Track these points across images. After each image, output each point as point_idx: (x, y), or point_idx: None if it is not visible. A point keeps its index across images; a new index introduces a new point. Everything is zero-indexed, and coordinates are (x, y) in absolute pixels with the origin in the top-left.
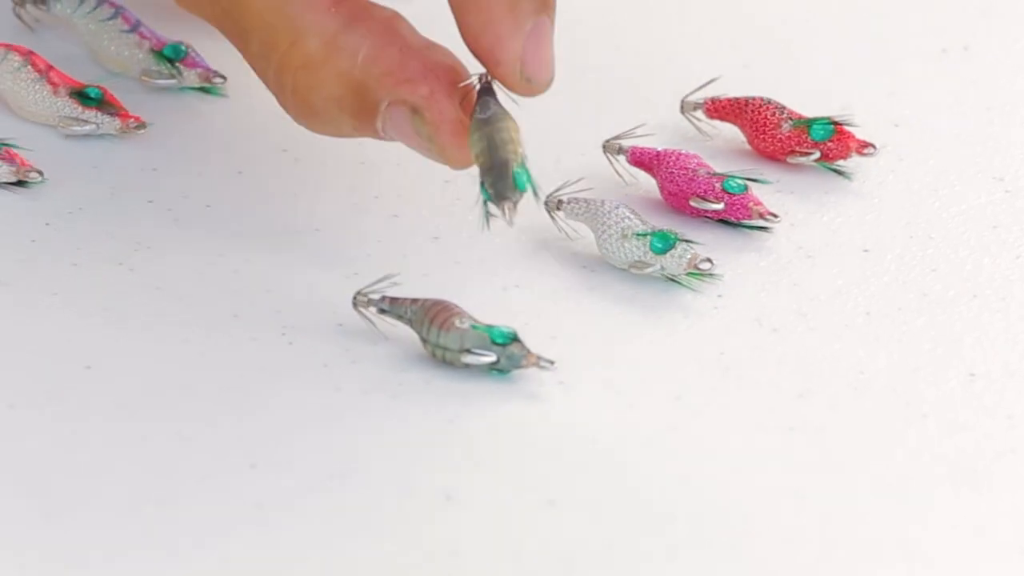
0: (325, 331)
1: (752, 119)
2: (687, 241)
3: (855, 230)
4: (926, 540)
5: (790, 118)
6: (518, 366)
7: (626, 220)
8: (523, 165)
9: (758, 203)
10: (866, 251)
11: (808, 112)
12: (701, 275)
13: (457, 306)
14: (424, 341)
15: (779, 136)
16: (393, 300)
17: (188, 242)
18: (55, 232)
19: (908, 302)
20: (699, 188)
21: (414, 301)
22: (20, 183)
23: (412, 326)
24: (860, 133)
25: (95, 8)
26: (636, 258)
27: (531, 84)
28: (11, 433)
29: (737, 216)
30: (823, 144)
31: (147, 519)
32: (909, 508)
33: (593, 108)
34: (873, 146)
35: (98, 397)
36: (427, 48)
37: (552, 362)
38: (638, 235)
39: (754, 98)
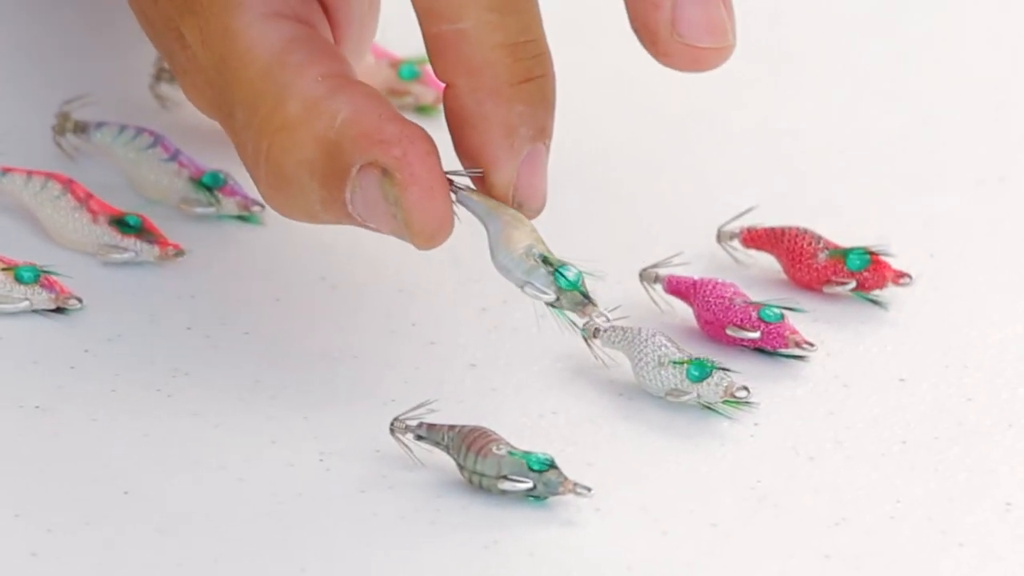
0: (362, 457)
1: (788, 248)
2: (724, 369)
3: (891, 359)
4: None
5: (826, 248)
6: (555, 493)
7: (663, 348)
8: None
9: (794, 332)
10: (902, 380)
11: (844, 242)
12: (737, 403)
13: (494, 432)
14: (461, 467)
15: (815, 266)
16: (430, 426)
17: (226, 368)
18: (94, 358)
19: (944, 431)
20: (735, 317)
21: (451, 428)
22: (59, 310)
23: (449, 452)
24: (896, 263)
25: (135, 137)
26: (673, 386)
27: (521, 210)
28: (49, 557)
29: (773, 345)
30: (859, 274)
31: None
32: None
33: (630, 237)
34: (909, 276)
35: (136, 522)
36: (406, 120)
37: (589, 489)
38: (675, 363)
39: (790, 228)
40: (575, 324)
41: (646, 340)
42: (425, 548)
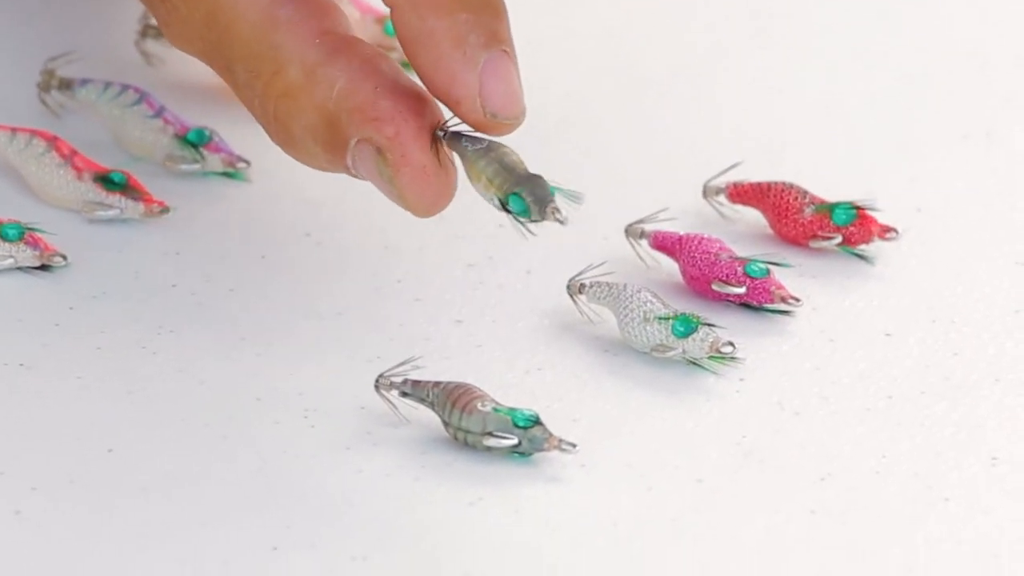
0: (347, 414)
1: (774, 204)
2: (709, 325)
3: (877, 314)
4: None
5: (812, 203)
6: (540, 449)
7: (648, 304)
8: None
9: (780, 287)
10: (888, 335)
11: (830, 197)
12: (723, 359)
13: (479, 389)
14: (446, 424)
15: (801, 221)
16: (415, 383)
17: (211, 325)
18: (79, 315)
19: (930, 386)
20: (721, 272)
21: (436, 384)
22: (44, 267)
23: (434, 409)
24: (882, 218)
25: (120, 94)
26: (658, 341)
27: (497, 119)
28: (34, 515)
29: (759, 300)
30: (845, 229)
31: None
32: None
33: (615, 192)
34: (895, 230)
35: (120, 480)
36: (403, 88)
37: (574, 445)
38: (660, 319)
39: (776, 183)
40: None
41: (631, 296)
42: (410, 505)
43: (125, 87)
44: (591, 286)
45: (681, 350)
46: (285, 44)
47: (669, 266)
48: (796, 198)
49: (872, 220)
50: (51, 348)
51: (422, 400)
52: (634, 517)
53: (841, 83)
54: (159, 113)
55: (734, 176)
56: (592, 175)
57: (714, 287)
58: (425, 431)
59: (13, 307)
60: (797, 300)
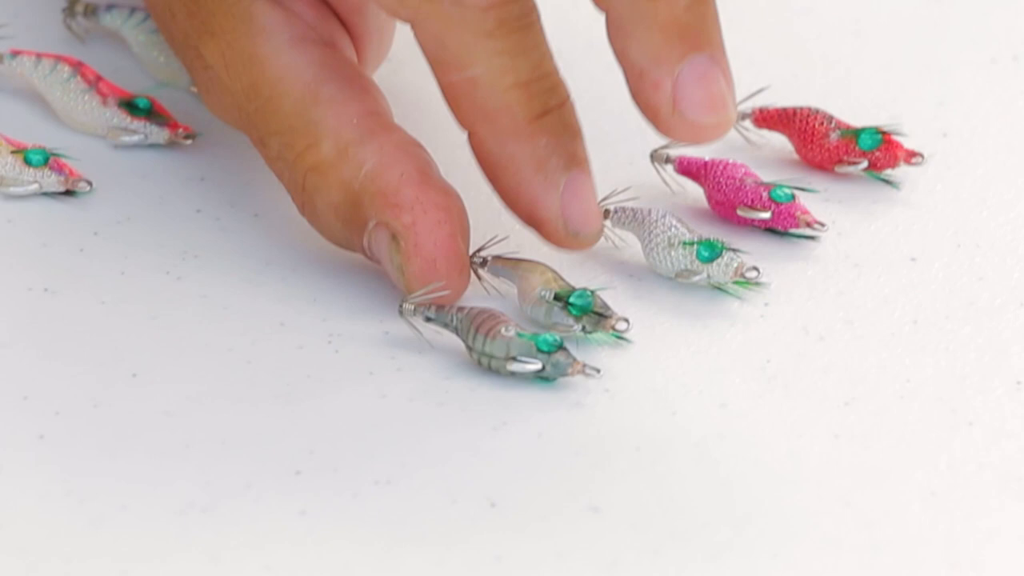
0: (371, 339)
1: (800, 129)
2: (734, 250)
3: (902, 239)
4: (971, 548)
5: (838, 128)
6: (563, 374)
7: (673, 229)
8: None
9: (805, 212)
10: (913, 260)
11: (856, 122)
12: (748, 284)
13: (503, 314)
14: (470, 349)
15: (827, 146)
16: (439, 308)
17: (235, 251)
18: (103, 241)
19: (955, 311)
20: (746, 197)
21: (460, 309)
22: (69, 193)
23: (458, 334)
24: (908, 143)
25: (145, 19)
26: (683, 267)
27: (579, 238)
28: (57, 439)
29: (784, 225)
30: (871, 153)
31: (191, 526)
32: (954, 516)
33: (641, 118)
34: (921, 155)
35: (144, 404)
36: (430, 180)
37: (597, 370)
38: (685, 244)
39: (802, 108)
40: (618, 338)
41: (656, 221)
42: (433, 430)
43: (149, 13)
44: (616, 211)
45: (706, 275)
46: (323, 121)
47: (694, 191)
48: (822, 123)
49: (898, 145)
50: (75, 273)
51: (446, 325)
52: (657, 442)
53: (868, 6)
54: None
55: (760, 101)
56: (618, 100)
57: (739, 212)
58: (449, 356)
59: (38, 233)
60: (822, 225)
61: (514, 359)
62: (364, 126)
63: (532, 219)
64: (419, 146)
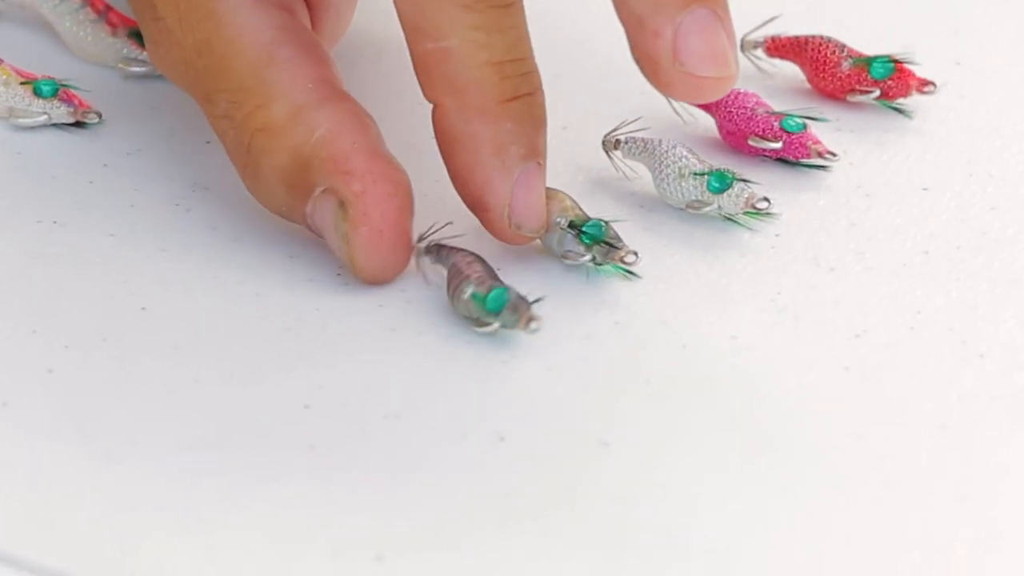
0: None
1: (812, 57)
2: (744, 180)
3: (914, 168)
4: (981, 479)
5: (850, 56)
6: (514, 327)
7: (683, 159)
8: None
9: (816, 142)
10: (925, 189)
11: (869, 50)
12: (758, 214)
13: (473, 267)
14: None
15: (839, 74)
16: (439, 249)
17: None
18: (113, 173)
19: (967, 241)
20: (757, 127)
21: (450, 256)
22: (78, 124)
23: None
24: (921, 71)
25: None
26: (693, 197)
27: (520, 231)
28: (66, 373)
29: (795, 155)
30: (883, 82)
31: (200, 460)
32: (965, 448)
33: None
34: (933, 84)
35: (152, 338)
36: (381, 154)
37: (537, 319)
38: (695, 174)
39: (814, 37)
40: (627, 272)
41: (667, 151)
42: (443, 364)
43: None
44: (626, 142)
45: (716, 206)
46: (278, 82)
47: (705, 121)
48: (834, 52)
49: (910, 73)
50: (84, 205)
51: (444, 267)
52: (667, 374)
53: None
54: None
55: (771, 30)
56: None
57: (750, 142)
58: None
59: (47, 164)
60: (834, 155)
61: (476, 320)
62: (319, 91)
63: (478, 203)
64: (371, 118)
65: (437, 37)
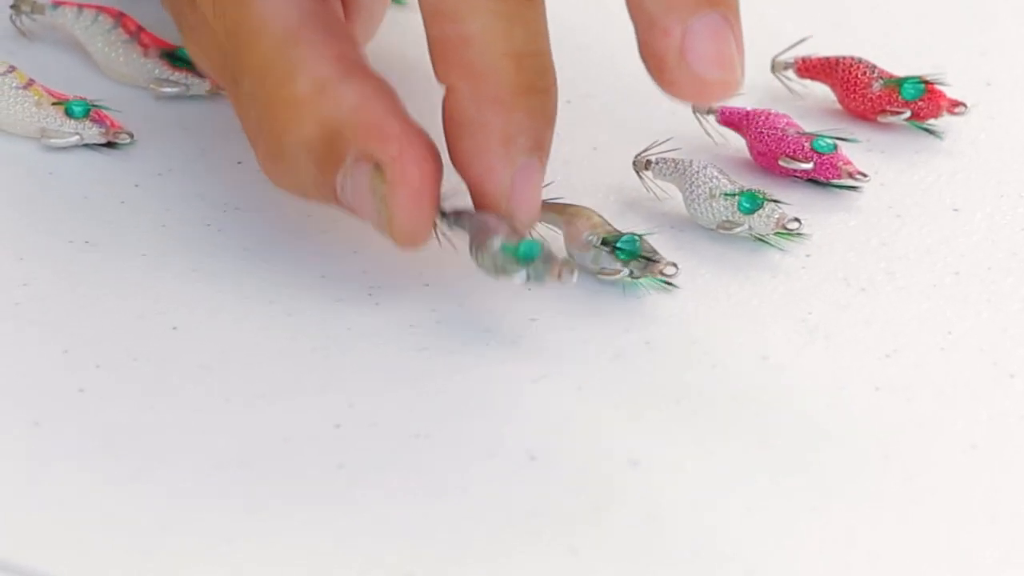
0: (411, 291)
1: (843, 78)
2: (775, 201)
3: (945, 189)
4: (1012, 499)
5: (881, 77)
6: (544, 280)
7: (714, 180)
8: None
9: (847, 162)
10: (956, 210)
11: (899, 71)
12: (789, 235)
13: (500, 222)
14: (473, 260)
15: (870, 95)
16: (457, 213)
17: (277, 203)
18: (144, 193)
19: (997, 262)
20: (788, 147)
21: (471, 216)
22: (110, 144)
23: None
24: (952, 92)
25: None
26: (724, 218)
27: (512, 221)
28: (97, 393)
29: (826, 175)
30: (914, 103)
31: (231, 480)
32: (995, 468)
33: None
34: (964, 105)
35: (184, 358)
36: (411, 121)
37: (573, 271)
38: (726, 195)
39: (845, 57)
40: (666, 284)
41: (697, 172)
42: (473, 383)
43: None
44: (657, 162)
45: (747, 226)
46: (302, 59)
47: (736, 142)
48: (864, 72)
49: (941, 94)
50: (116, 226)
51: (465, 230)
52: (698, 394)
53: None
54: None
55: (802, 51)
56: None
57: (781, 163)
58: (489, 309)
59: (79, 184)
60: (864, 175)
61: (502, 271)
62: (344, 66)
63: (477, 189)
64: (395, 91)
65: (457, 21)
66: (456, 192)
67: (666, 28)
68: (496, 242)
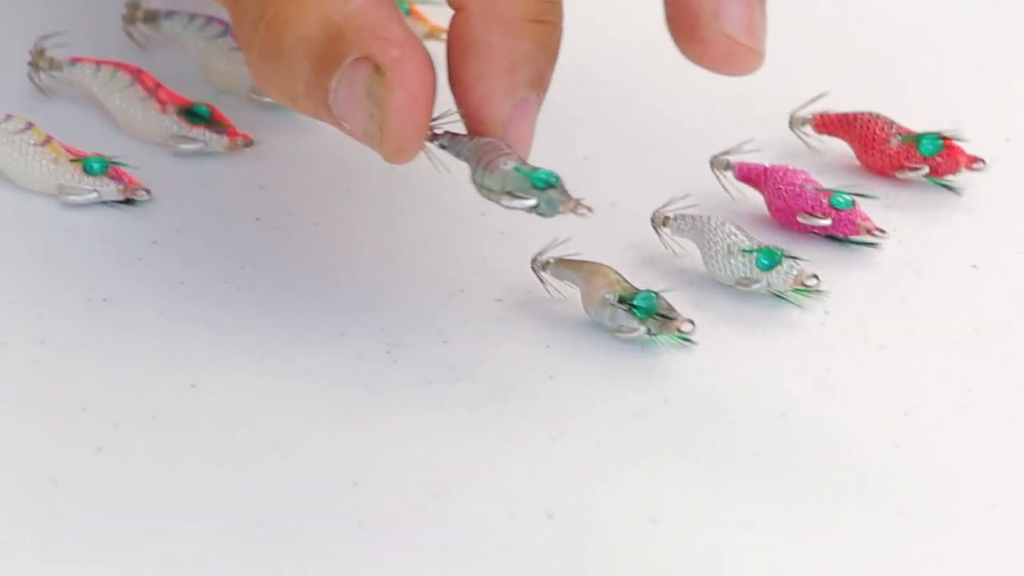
0: (429, 349)
1: (861, 134)
2: (793, 257)
3: (963, 245)
4: None
5: (899, 133)
6: (556, 211)
7: (732, 236)
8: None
9: (865, 219)
10: (974, 267)
11: (917, 127)
12: (808, 291)
13: (508, 147)
14: (473, 180)
15: (888, 151)
16: (453, 136)
17: (295, 260)
18: (162, 250)
19: (1016, 318)
20: (806, 204)
21: (471, 138)
22: (128, 201)
23: (468, 163)
24: (970, 148)
25: (204, 26)
26: (742, 274)
27: None
28: (115, 451)
29: (844, 232)
30: (932, 159)
31: (249, 538)
32: (1014, 526)
33: (701, 123)
34: (983, 161)
35: (202, 415)
36: (413, 34)
37: (590, 208)
38: (744, 251)
39: (863, 113)
40: (683, 341)
41: (715, 228)
42: (491, 440)
43: (210, 19)
44: (675, 218)
45: (765, 283)
46: None
47: (754, 198)
48: (882, 128)
49: (959, 150)
50: (134, 282)
51: (458, 154)
52: (716, 451)
53: (927, 10)
54: None
55: (820, 106)
56: (678, 106)
57: (799, 219)
58: (507, 365)
59: (97, 241)
60: (883, 232)
61: (509, 193)
62: None
63: (474, 114)
64: (399, 8)
65: None
66: (445, 116)
67: None
68: (510, 163)
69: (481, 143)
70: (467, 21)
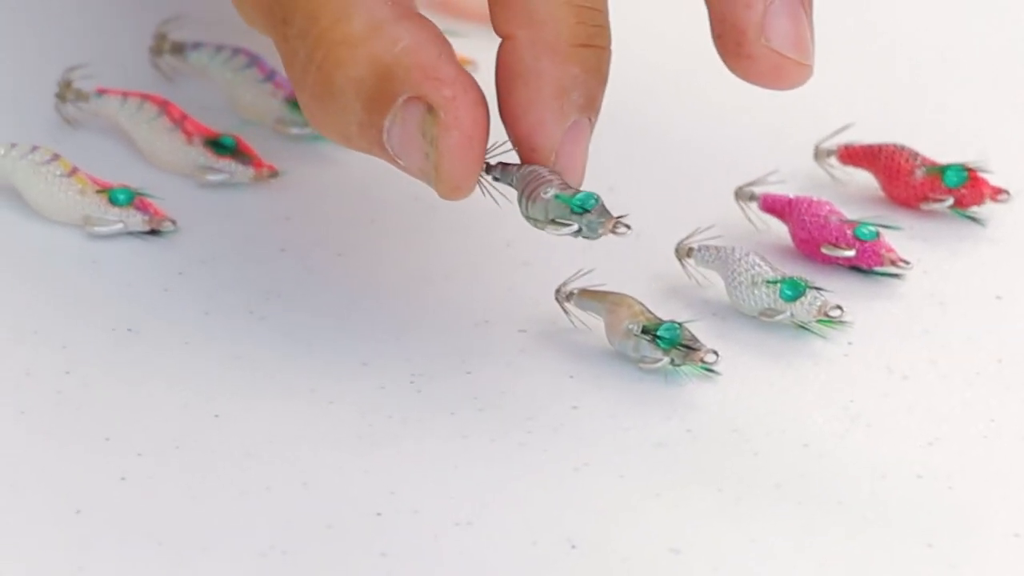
0: (453, 379)
1: (885, 166)
2: (817, 288)
3: (988, 277)
4: None
5: (923, 164)
6: (597, 234)
7: (756, 267)
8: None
9: (890, 250)
10: (999, 298)
11: (942, 158)
12: (831, 322)
13: (553, 174)
14: (521, 213)
15: (912, 183)
16: (504, 166)
17: (320, 290)
18: (187, 281)
19: None
20: (831, 235)
21: (520, 167)
22: (153, 232)
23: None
24: (994, 179)
25: (231, 58)
26: (766, 305)
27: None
28: (139, 481)
29: (869, 263)
30: (957, 191)
31: (272, 567)
32: None
33: (725, 155)
34: (1007, 192)
35: (226, 445)
36: (465, 71)
37: (628, 227)
38: (768, 282)
39: (887, 144)
40: (707, 371)
41: (739, 259)
42: (514, 471)
43: (237, 51)
44: (699, 249)
45: (789, 314)
46: (357, 0)
47: (778, 229)
48: (907, 160)
49: (984, 182)
50: (159, 313)
51: (511, 183)
52: (739, 482)
53: (953, 42)
54: (270, 77)
55: (845, 138)
56: (702, 137)
57: (824, 250)
58: (530, 396)
59: (122, 272)
60: (907, 263)
61: (553, 222)
62: (398, 9)
63: (525, 142)
64: (448, 42)
65: None
66: (498, 146)
67: (749, 1)
68: (550, 191)
69: (526, 172)
70: (515, 49)
